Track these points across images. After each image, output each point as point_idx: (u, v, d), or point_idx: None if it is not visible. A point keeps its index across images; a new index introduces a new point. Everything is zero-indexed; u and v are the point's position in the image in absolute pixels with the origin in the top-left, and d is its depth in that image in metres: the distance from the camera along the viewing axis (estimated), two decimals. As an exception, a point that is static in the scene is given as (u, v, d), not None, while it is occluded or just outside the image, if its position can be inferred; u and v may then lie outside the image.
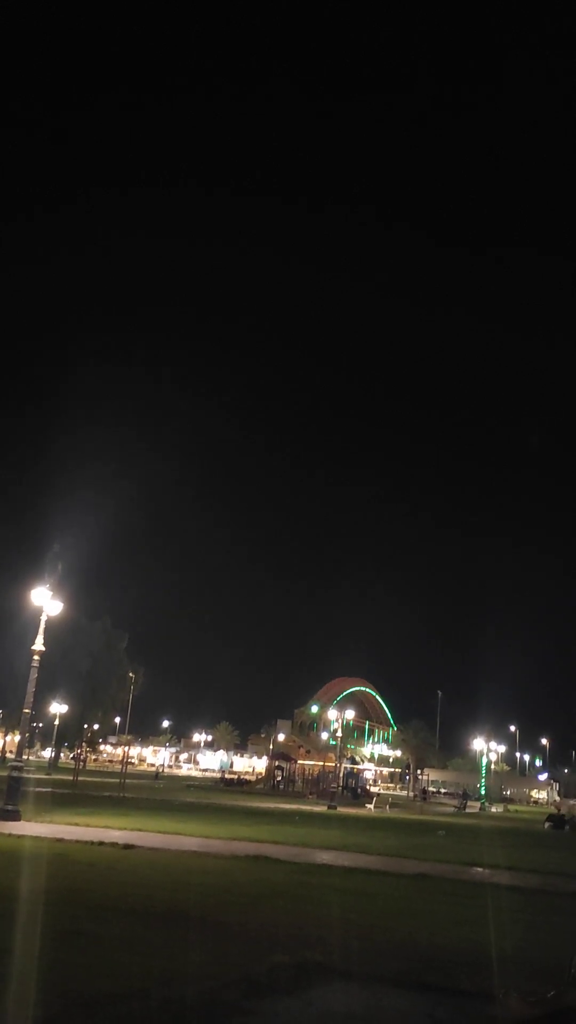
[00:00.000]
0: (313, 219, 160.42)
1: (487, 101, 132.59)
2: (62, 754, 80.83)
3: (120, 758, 77.65)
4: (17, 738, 32.02)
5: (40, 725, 76.77)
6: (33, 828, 19.31)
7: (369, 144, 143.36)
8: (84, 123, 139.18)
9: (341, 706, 77.64)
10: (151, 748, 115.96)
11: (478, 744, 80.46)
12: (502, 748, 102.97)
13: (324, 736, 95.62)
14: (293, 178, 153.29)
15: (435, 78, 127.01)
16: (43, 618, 23.52)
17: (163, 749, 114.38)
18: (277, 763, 75.50)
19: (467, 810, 61.88)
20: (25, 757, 28.25)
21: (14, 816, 20.88)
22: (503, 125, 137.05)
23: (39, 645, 23.24)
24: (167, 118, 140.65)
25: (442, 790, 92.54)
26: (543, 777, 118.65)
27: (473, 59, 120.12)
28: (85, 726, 74.36)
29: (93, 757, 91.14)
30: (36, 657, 23.17)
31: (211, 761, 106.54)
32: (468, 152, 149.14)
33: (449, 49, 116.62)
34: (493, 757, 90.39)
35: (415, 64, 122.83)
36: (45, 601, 23.56)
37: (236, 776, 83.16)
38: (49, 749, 79.36)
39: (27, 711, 24.03)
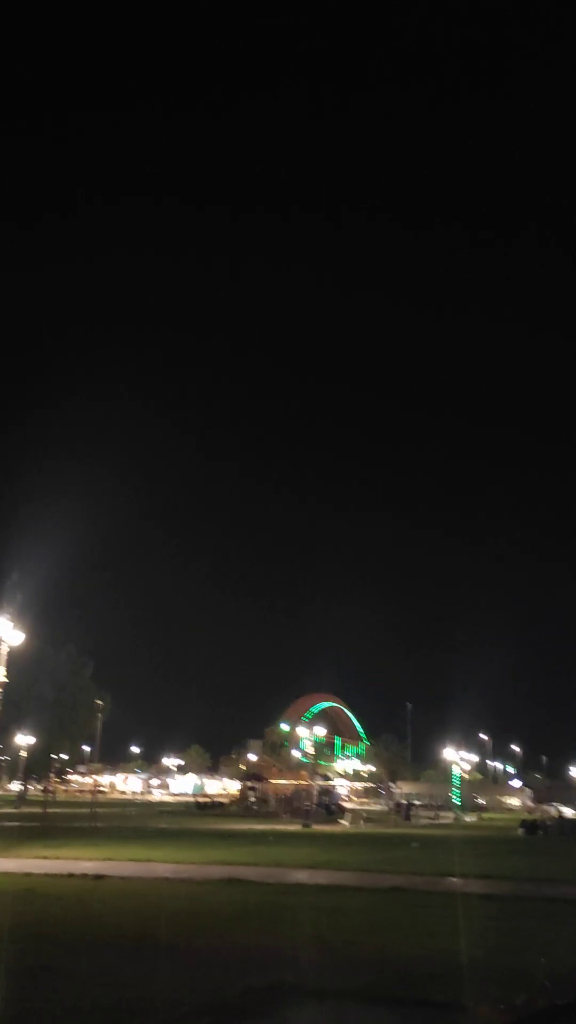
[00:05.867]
0: (289, 229, 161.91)
1: (483, 104, 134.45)
2: (31, 787, 79.33)
3: (90, 787, 76.51)
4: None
5: (7, 758, 75.40)
6: None
7: (346, 146, 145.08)
8: (75, 143, 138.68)
9: (311, 723, 77.50)
10: (121, 775, 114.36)
11: (449, 754, 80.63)
12: (474, 758, 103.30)
13: (296, 754, 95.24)
14: (277, 191, 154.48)
15: (432, 80, 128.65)
16: (4, 648, 23.18)
17: (133, 775, 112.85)
18: (249, 784, 74.97)
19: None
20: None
21: (-20, 853, 20.46)
22: (491, 123, 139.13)
23: (1, 676, 22.88)
24: (159, 132, 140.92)
25: (416, 802, 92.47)
26: (516, 784, 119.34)
27: (471, 58, 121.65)
28: (53, 756, 73.05)
29: (63, 788, 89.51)
30: (-1, 689, 22.82)
31: (183, 785, 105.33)
32: (455, 149, 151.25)
33: (447, 49, 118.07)
34: (466, 767, 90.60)
35: (409, 67, 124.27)
36: (6, 631, 23.23)
37: (210, 799, 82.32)
38: (17, 782, 77.81)
39: (-9, 744, 23.60)
